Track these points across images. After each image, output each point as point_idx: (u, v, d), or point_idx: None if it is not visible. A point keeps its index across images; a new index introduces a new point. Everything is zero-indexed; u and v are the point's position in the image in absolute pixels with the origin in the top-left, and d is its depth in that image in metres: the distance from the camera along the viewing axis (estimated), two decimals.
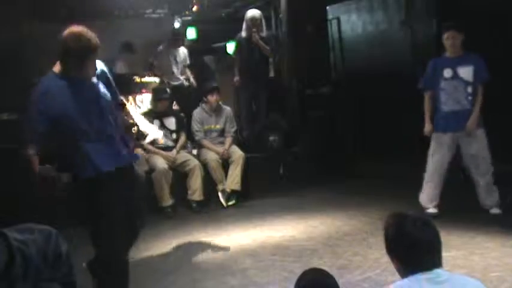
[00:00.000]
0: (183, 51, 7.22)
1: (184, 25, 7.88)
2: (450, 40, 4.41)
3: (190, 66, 7.41)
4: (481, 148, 4.41)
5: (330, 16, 7.58)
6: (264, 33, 6.56)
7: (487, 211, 4.47)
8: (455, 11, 5.83)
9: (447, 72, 4.45)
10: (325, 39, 7.26)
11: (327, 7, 7.45)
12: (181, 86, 7.14)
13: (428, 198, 4.61)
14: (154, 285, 3.57)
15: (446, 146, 4.52)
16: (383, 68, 6.99)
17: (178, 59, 7.13)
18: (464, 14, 5.60)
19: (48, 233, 1.94)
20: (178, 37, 7.36)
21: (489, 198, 4.46)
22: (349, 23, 7.66)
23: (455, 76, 4.43)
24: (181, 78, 7.17)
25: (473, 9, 5.57)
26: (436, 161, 4.56)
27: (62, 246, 1.97)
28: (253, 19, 6.45)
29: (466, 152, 4.47)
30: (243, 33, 6.58)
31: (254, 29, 6.41)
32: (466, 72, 4.39)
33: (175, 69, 7.08)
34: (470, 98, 4.40)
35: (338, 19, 7.70)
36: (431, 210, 4.57)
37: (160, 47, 7.16)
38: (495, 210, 4.45)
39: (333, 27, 7.68)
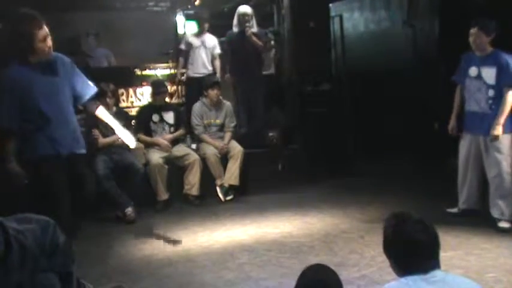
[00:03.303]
0: (211, 38, 6.84)
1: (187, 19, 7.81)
2: (471, 37, 4.25)
3: (221, 56, 6.89)
4: (495, 155, 4.19)
5: (332, 13, 7.57)
6: (256, 29, 6.57)
7: (486, 214, 4.32)
8: (458, 11, 5.82)
9: (472, 71, 4.29)
10: (327, 36, 7.25)
11: (330, 4, 7.45)
12: (203, 78, 6.60)
13: (459, 195, 4.53)
14: (150, 278, 3.58)
15: (465, 147, 4.41)
16: (384, 67, 6.99)
17: (207, 45, 6.76)
18: (467, 14, 5.59)
19: (46, 223, 1.94)
20: (202, 21, 6.93)
21: (494, 208, 4.25)
22: (351, 20, 7.65)
23: (479, 76, 4.25)
24: (209, 67, 6.75)
25: (476, 9, 5.56)
26: (460, 161, 4.47)
27: (60, 237, 1.97)
28: (245, 14, 6.48)
29: (483, 155, 4.29)
30: (234, 29, 6.61)
31: (247, 24, 6.42)
32: (488, 73, 4.19)
33: (204, 56, 6.73)
34: (490, 101, 4.19)
35: (340, 16, 7.69)
36: (449, 209, 4.56)
37: (187, 35, 7.05)
38: (503, 224, 4.18)
39: (335, 25, 7.66)
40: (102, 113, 3.72)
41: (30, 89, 3.32)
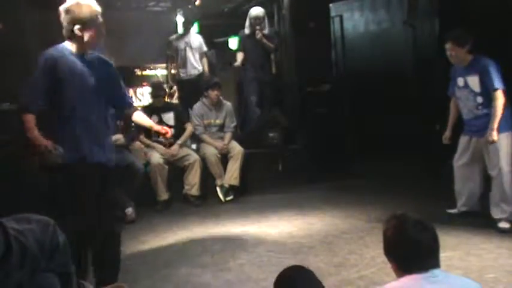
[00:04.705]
0: (196, 37, 6.92)
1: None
2: (447, 52, 4.34)
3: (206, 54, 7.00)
4: (494, 155, 4.20)
5: (332, 14, 7.57)
6: (267, 31, 6.64)
7: (486, 214, 4.30)
8: (458, 11, 5.82)
9: (460, 81, 4.38)
10: (327, 36, 7.25)
11: (330, 4, 7.45)
12: (197, 78, 6.72)
13: (458, 197, 4.56)
14: (149, 278, 3.57)
15: (463, 149, 4.44)
16: (384, 67, 6.99)
17: (192, 45, 6.83)
18: (466, 14, 5.59)
19: (46, 223, 1.94)
20: (187, 22, 7.07)
21: (494, 209, 4.24)
22: (351, 21, 7.65)
23: (466, 85, 4.33)
24: (199, 67, 6.83)
25: (476, 9, 5.57)
26: (458, 163, 4.49)
27: (60, 237, 1.97)
28: (256, 18, 6.58)
29: (484, 155, 4.32)
30: (246, 30, 6.70)
31: (258, 27, 6.50)
32: (473, 81, 4.27)
33: (191, 57, 6.80)
34: (480, 107, 4.26)
35: (341, 17, 7.69)
36: (449, 209, 4.59)
37: (173, 36, 7.10)
38: (503, 225, 4.16)
39: (335, 25, 7.66)
40: (139, 117, 3.41)
41: (66, 75, 2.97)
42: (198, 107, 6.11)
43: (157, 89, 6.03)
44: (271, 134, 6.68)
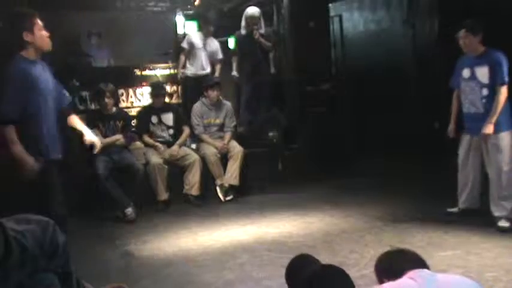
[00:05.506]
0: (213, 41, 6.90)
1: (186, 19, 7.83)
2: (460, 40, 4.30)
3: (222, 61, 6.96)
4: (495, 153, 4.20)
5: (332, 13, 7.58)
6: (263, 30, 6.61)
7: (486, 213, 4.31)
8: (458, 10, 5.82)
9: (466, 72, 4.33)
10: (327, 36, 7.26)
11: (329, 4, 7.45)
12: (202, 79, 6.58)
13: (459, 195, 4.55)
14: (150, 278, 3.57)
15: (464, 147, 4.44)
16: (384, 66, 7.00)
17: (208, 48, 6.80)
18: (466, 13, 5.59)
19: (46, 223, 1.94)
20: (207, 24, 6.96)
21: (495, 207, 4.24)
22: (351, 20, 7.66)
23: (473, 77, 4.28)
24: (207, 69, 6.80)
25: (476, 8, 5.57)
26: (459, 161, 4.49)
27: (59, 237, 1.97)
28: (252, 17, 6.54)
29: (484, 154, 4.31)
30: (242, 31, 6.66)
31: (255, 27, 6.48)
32: (482, 73, 4.21)
33: (203, 57, 6.75)
34: (484, 100, 4.21)
35: (340, 16, 7.70)
36: (450, 208, 4.58)
37: (190, 35, 7.08)
38: (503, 223, 4.16)
39: (334, 25, 7.67)
40: (74, 121, 3.73)
41: (35, 83, 3.30)
42: (197, 107, 6.11)
43: (157, 89, 6.03)
44: (270, 134, 6.68)
